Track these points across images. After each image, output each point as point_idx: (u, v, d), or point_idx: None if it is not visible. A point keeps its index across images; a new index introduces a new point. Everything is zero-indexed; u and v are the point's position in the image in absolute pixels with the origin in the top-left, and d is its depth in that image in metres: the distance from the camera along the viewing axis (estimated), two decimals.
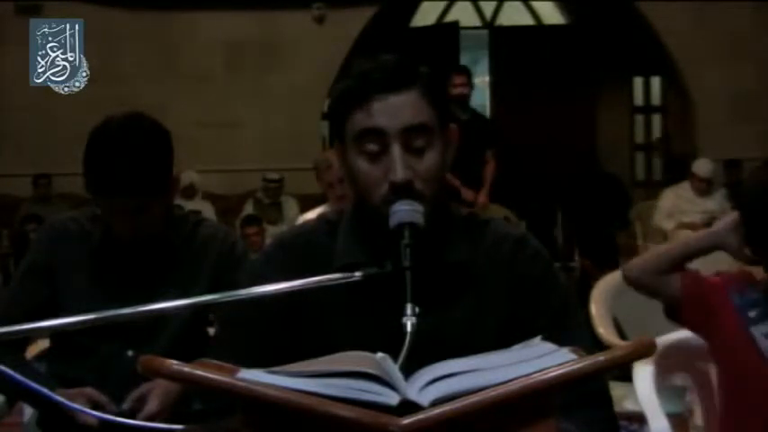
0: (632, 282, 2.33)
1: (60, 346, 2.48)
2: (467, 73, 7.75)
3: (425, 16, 12.66)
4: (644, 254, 2.47)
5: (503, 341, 1.48)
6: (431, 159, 1.67)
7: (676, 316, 2.29)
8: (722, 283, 2.26)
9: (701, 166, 8.85)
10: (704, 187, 8.75)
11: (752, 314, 2.19)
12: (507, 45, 12.29)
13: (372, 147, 1.66)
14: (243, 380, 1.27)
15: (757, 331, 2.17)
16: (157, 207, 2.34)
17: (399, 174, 1.64)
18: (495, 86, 12.60)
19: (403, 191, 1.63)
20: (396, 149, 1.65)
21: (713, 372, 2.57)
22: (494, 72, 12.62)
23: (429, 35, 11.59)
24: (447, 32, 11.58)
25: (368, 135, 1.66)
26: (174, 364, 1.27)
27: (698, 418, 2.79)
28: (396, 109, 1.65)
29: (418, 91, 1.67)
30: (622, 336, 4.06)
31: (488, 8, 12.95)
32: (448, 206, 1.77)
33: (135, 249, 2.38)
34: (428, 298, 1.61)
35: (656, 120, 12.86)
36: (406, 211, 1.62)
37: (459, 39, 11.55)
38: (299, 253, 1.77)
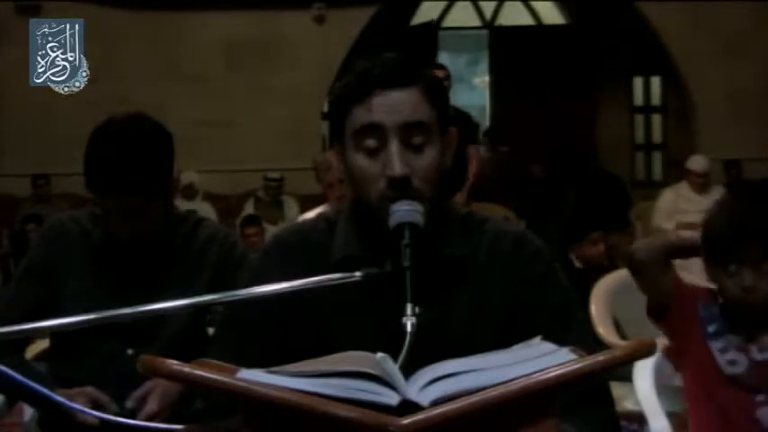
0: (637, 264, 2.29)
1: (60, 346, 2.48)
2: (445, 69, 7.73)
3: (425, 16, 12.66)
4: (647, 239, 2.45)
5: (503, 339, 1.48)
6: (429, 157, 1.67)
7: (659, 316, 2.29)
8: (695, 294, 2.27)
9: (696, 162, 8.85)
10: (702, 182, 8.73)
11: (710, 329, 2.22)
12: (507, 45, 12.30)
13: (371, 142, 1.66)
14: (243, 380, 1.27)
15: (714, 346, 2.20)
16: (157, 208, 2.34)
17: (397, 168, 1.64)
18: (495, 86, 12.61)
19: (400, 186, 1.63)
20: (394, 144, 1.65)
21: None
22: (494, 72, 12.63)
23: (407, 36, 11.58)
24: (425, 33, 11.59)
25: (367, 131, 1.66)
26: (174, 364, 1.27)
27: None
28: (395, 105, 1.66)
29: (419, 89, 1.68)
30: (622, 336, 4.06)
31: (488, 8, 12.94)
32: (446, 204, 1.77)
33: (135, 249, 2.38)
34: (428, 295, 1.61)
35: (656, 120, 12.85)
36: (405, 210, 1.62)
37: (438, 38, 11.56)
38: (298, 250, 1.77)
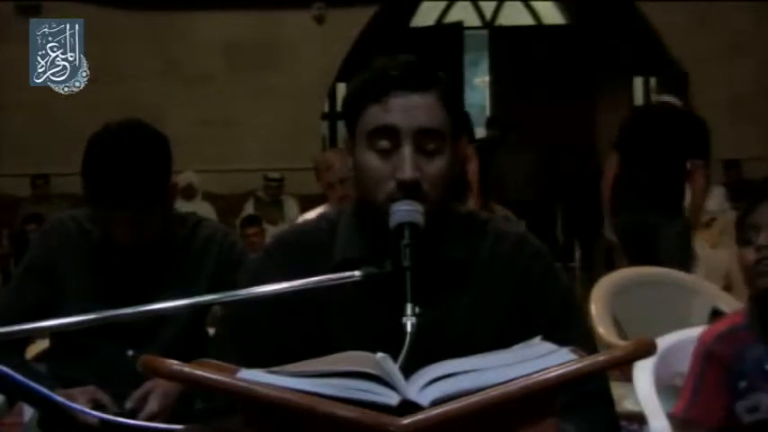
0: None
1: (60, 346, 2.48)
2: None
3: (425, 16, 12.67)
4: None
5: (503, 339, 1.48)
6: (440, 164, 1.67)
7: None
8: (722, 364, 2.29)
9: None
10: None
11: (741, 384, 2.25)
12: (507, 45, 12.31)
13: (384, 144, 1.66)
14: (243, 380, 1.27)
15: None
16: (156, 215, 2.34)
17: (408, 173, 1.64)
18: (495, 86, 12.62)
19: (409, 189, 1.63)
20: (407, 149, 1.65)
21: None
22: (494, 72, 12.64)
23: (432, 36, 11.60)
24: (450, 33, 11.60)
25: (381, 131, 1.66)
26: (174, 364, 1.27)
27: None
28: (413, 109, 1.65)
29: (436, 95, 1.67)
30: (622, 336, 4.06)
31: (488, 8, 12.96)
32: (448, 205, 1.77)
33: (135, 249, 2.38)
34: (428, 296, 1.61)
35: None
36: (406, 211, 1.62)
37: (464, 39, 11.57)
38: (299, 251, 1.77)
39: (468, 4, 12.95)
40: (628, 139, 6.59)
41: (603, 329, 4.02)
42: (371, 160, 1.67)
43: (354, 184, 1.76)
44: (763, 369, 2.21)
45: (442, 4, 12.89)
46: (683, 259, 6.43)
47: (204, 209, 8.92)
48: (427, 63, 1.71)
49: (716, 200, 8.73)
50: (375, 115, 1.66)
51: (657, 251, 6.49)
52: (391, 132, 1.66)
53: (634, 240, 6.61)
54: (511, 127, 10.82)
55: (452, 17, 12.72)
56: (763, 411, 2.19)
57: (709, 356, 2.27)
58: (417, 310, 1.50)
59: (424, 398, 1.25)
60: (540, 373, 1.28)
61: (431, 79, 1.68)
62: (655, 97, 6.66)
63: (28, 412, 2.68)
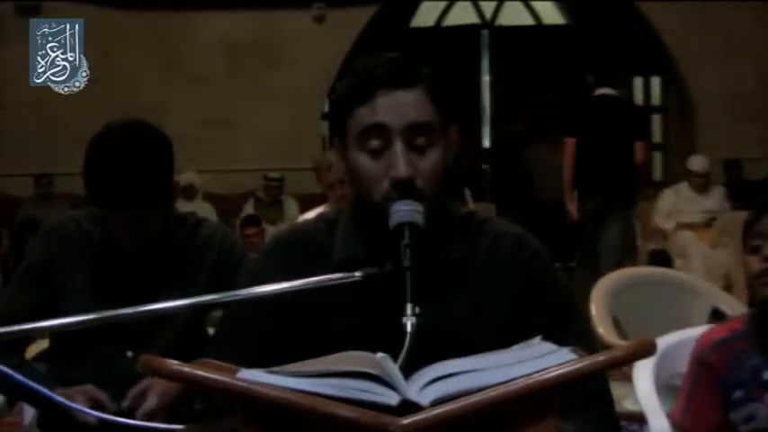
0: None
1: (60, 346, 2.48)
2: None
3: (425, 16, 12.66)
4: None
5: (503, 339, 1.48)
6: (432, 158, 1.67)
7: None
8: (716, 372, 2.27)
9: (696, 162, 8.86)
10: (703, 183, 8.73)
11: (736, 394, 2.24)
12: (507, 45, 12.29)
13: (375, 143, 1.66)
14: (243, 380, 1.27)
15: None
16: (158, 215, 2.34)
17: (401, 170, 1.64)
18: (495, 86, 12.61)
19: (404, 187, 1.63)
20: (398, 146, 1.65)
21: None
22: (494, 72, 12.62)
23: (448, 37, 11.59)
24: (468, 35, 11.60)
25: (371, 131, 1.66)
26: (174, 364, 1.27)
27: None
28: (400, 105, 1.65)
29: (423, 89, 1.67)
30: (622, 336, 4.06)
31: (488, 8, 12.94)
32: (447, 204, 1.77)
33: (135, 249, 2.38)
34: (428, 296, 1.61)
35: (656, 120, 12.84)
36: (406, 210, 1.62)
37: (481, 42, 11.60)
38: (299, 251, 1.77)
39: (468, 4, 12.93)
40: (585, 127, 7.03)
41: (603, 329, 4.03)
42: (364, 161, 1.67)
43: (350, 186, 1.76)
44: (761, 379, 2.19)
45: (442, 5, 12.87)
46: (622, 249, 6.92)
47: (204, 209, 8.92)
48: (410, 59, 1.70)
49: (716, 200, 8.73)
50: (363, 116, 1.66)
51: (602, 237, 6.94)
52: (381, 131, 1.65)
53: (594, 225, 6.96)
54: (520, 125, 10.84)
55: (452, 17, 12.71)
56: (760, 421, 2.17)
57: (702, 363, 2.26)
58: (417, 310, 1.50)
59: (424, 398, 1.25)
60: (540, 373, 1.27)
61: (416, 75, 1.68)
62: (597, 91, 7.36)
63: (28, 412, 2.68)
